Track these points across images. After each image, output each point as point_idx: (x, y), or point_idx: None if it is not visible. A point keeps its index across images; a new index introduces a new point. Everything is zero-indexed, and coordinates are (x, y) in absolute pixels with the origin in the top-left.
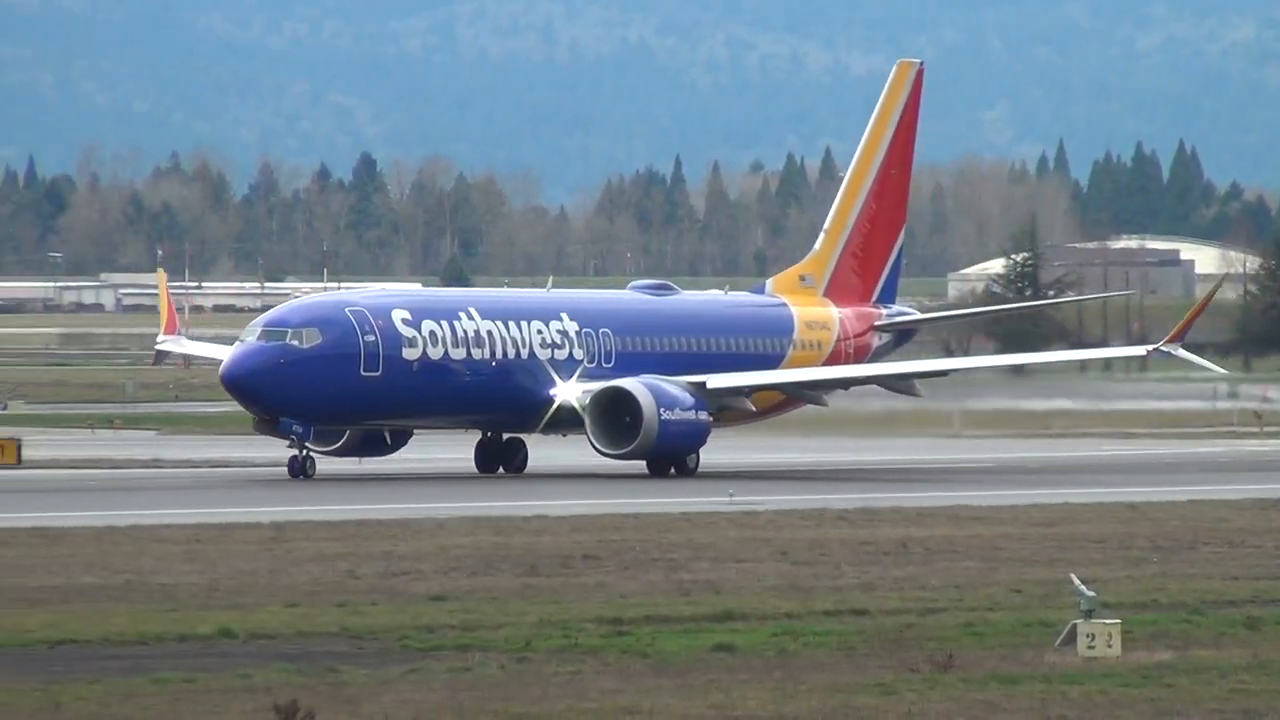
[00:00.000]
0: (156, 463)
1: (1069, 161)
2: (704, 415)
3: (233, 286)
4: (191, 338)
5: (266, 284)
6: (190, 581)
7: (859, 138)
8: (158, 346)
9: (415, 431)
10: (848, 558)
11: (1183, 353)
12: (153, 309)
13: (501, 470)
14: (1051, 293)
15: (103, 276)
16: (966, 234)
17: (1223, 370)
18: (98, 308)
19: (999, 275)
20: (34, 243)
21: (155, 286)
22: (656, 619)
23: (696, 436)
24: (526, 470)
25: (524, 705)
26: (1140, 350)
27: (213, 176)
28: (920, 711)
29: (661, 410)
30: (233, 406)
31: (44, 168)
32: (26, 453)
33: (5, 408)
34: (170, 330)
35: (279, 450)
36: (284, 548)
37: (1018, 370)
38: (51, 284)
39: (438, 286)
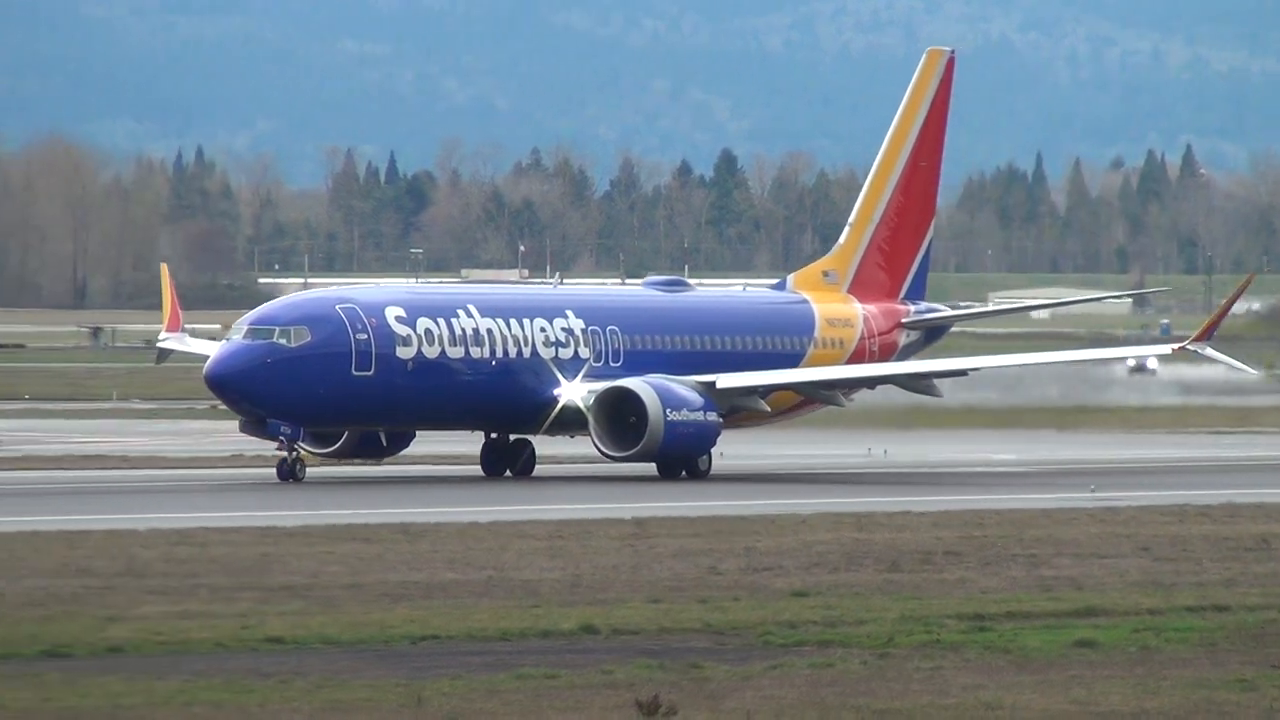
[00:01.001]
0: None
1: None
2: (713, 416)
3: (594, 283)
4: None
5: (627, 280)
6: (552, 577)
7: (1218, 135)
8: (159, 344)
9: (418, 433)
10: (1209, 554)
11: (1211, 351)
12: None
13: (509, 473)
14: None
15: (464, 272)
16: None
17: (1253, 370)
18: None
19: None
20: (395, 239)
21: (517, 282)
22: (1018, 615)
23: (705, 438)
24: (534, 473)
25: (885, 701)
26: (1166, 349)
27: (573, 173)
28: None
29: (668, 411)
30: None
31: (405, 164)
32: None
33: None
34: (173, 327)
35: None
36: (646, 543)
37: None
38: (413, 280)
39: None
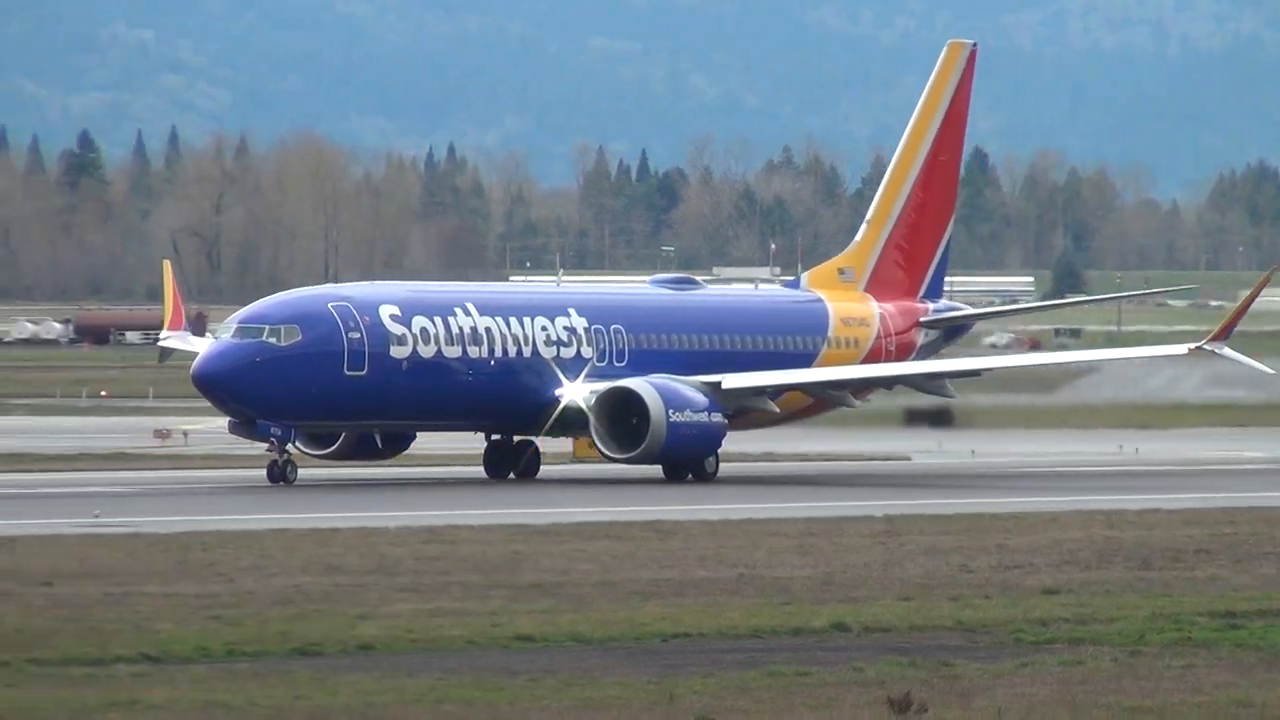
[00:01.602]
0: (767, 456)
1: None
2: (718, 417)
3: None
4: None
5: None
6: (804, 575)
7: None
8: (161, 343)
9: (418, 434)
10: None
11: (1229, 351)
12: None
13: (512, 475)
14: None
15: (715, 270)
16: None
17: (1270, 370)
18: None
19: None
20: (646, 237)
21: (769, 280)
22: (1269, 613)
23: (709, 440)
24: (538, 475)
25: (1136, 699)
26: (1181, 349)
27: (825, 170)
28: None
29: (671, 412)
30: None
31: (656, 162)
32: None
33: None
34: (175, 326)
35: (887, 443)
36: (896, 541)
37: None
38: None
39: (1048, 281)
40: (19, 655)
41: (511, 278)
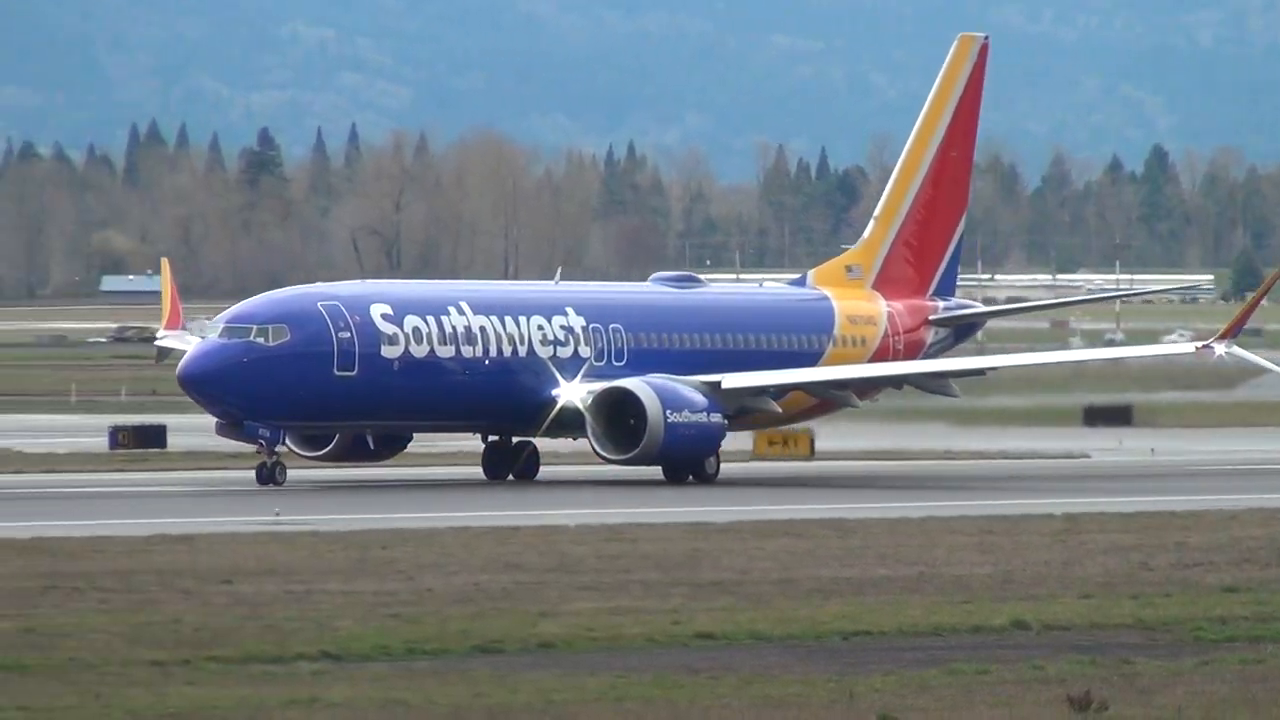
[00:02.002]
0: (949, 454)
1: None
2: (717, 418)
3: (1024, 279)
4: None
5: (1058, 275)
6: (983, 573)
7: None
8: (158, 343)
9: (415, 435)
10: None
11: (1238, 350)
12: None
13: (511, 477)
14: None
15: None
16: None
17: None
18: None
19: None
20: (825, 234)
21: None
22: None
23: (708, 440)
24: (537, 475)
25: None
26: (1189, 348)
27: (1004, 168)
28: None
29: (668, 412)
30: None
31: (836, 159)
32: (819, 444)
33: None
34: (172, 325)
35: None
36: (1076, 539)
37: None
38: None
39: (1223, 278)
40: (199, 653)
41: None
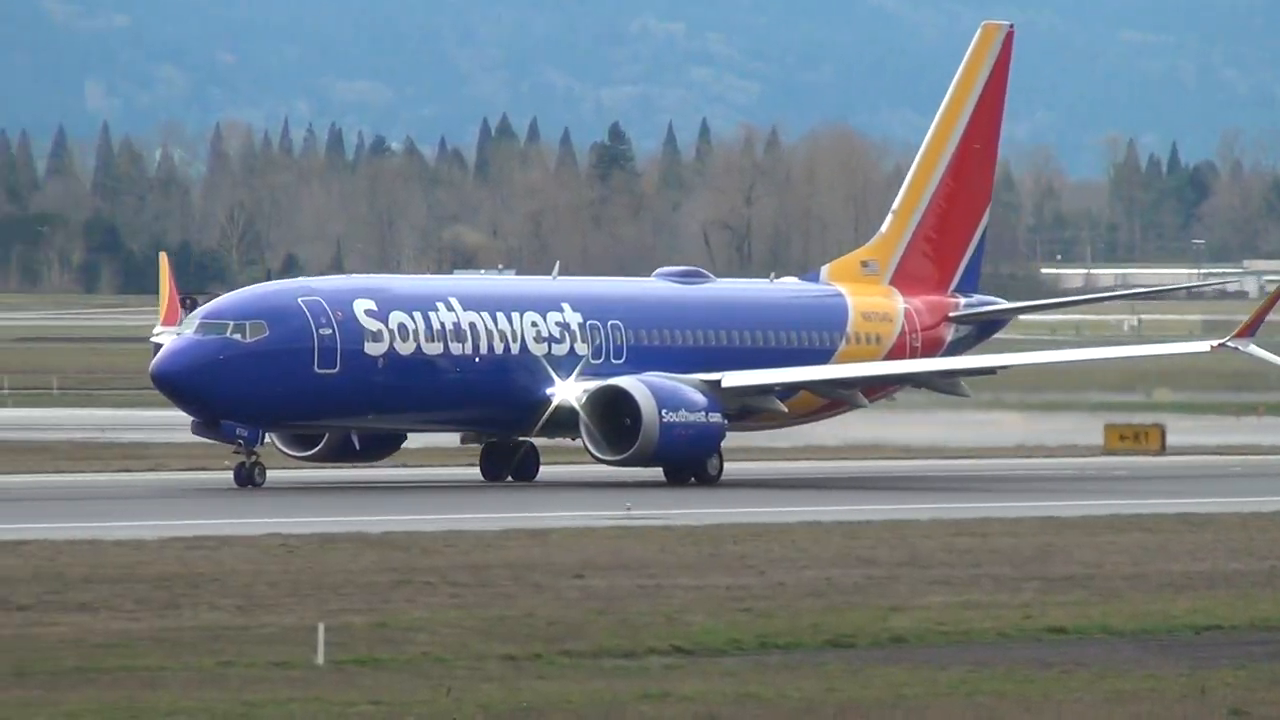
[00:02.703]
0: (1221, 449)
1: None
2: (716, 417)
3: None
4: None
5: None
6: None
7: None
8: (153, 339)
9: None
10: None
11: (1255, 349)
12: None
13: (510, 478)
14: None
15: (1245, 263)
16: None
17: None
18: (1240, 295)
19: None
20: (1176, 230)
21: None
22: None
23: (706, 441)
24: (537, 476)
25: None
26: (1204, 346)
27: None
28: None
29: (664, 412)
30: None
31: (1186, 154)
32: (1171, 439)
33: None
34: (170, 321)
35: None
36: None
37: None
38: (1195, 270)
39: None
40: (552, 647)
41: (1042, 270)
